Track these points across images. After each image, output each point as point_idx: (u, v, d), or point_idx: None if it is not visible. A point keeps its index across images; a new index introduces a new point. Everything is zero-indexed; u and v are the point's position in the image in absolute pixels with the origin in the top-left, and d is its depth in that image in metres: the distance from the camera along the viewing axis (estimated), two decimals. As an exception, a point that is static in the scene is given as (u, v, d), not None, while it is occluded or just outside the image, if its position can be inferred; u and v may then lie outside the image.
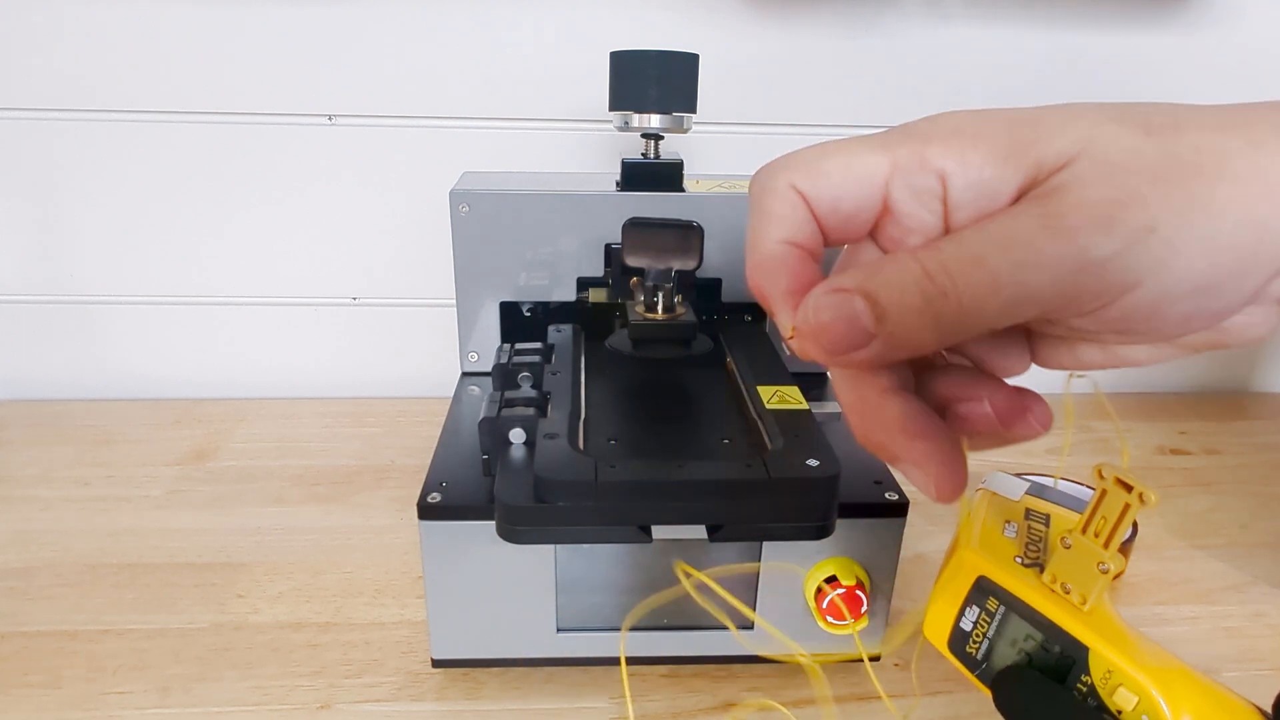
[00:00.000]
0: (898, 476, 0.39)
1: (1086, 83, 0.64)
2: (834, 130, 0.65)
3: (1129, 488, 0.24)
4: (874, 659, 0.40)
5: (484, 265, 0.49)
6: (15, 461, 0.58)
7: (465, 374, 0.51)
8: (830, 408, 0.46)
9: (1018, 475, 0.34)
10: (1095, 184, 0.18)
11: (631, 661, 0.40)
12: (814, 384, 0.51)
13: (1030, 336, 0.25)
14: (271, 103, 0.62)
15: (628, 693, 0.38)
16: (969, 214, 0.21)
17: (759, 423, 0.37)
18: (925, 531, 0.51)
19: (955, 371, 0.24)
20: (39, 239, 0.66)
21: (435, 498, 0.36)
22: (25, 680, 0.39)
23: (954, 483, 0.22)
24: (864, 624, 0.37)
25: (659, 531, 0.32)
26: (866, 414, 0.23)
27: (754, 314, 0.51)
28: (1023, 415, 0.23)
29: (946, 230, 0.21)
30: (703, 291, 0.50)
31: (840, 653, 0.39)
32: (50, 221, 0.65)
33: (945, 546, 0.51)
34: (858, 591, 0.36)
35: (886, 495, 0.37)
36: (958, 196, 0.21)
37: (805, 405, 0.38)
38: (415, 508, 0.35)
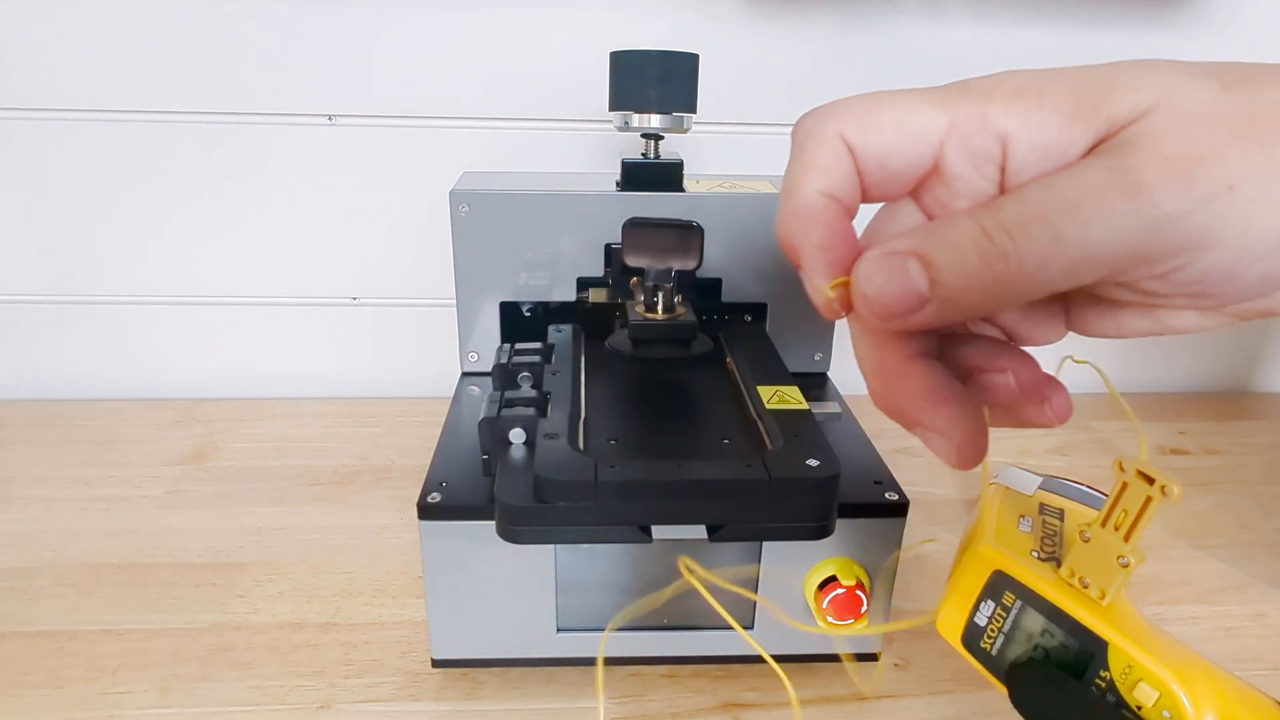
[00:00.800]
0: (898, 479, 0.39)
1: (1086, 83, 0.65)
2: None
3: (1151, 480, 0.23)
4: (874, 658, 0.40)
5: (484, 265, 0.49)
6: (15, 461, 0.58)
7: (465, 374, 0.51)
8: (830, 408, 0.46)
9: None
10: (1171, 138, 0.18)
11: (631, 661, 0.40)
12: (814, 384, 0.51)
13: (1069, 303, 0.24)
14: (271, 103, 0.62)
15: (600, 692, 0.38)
16: (1031, 177, 0.20)
17: (759, 423, 0.37)
18: (925, 532, 0.51)
19: (981, 341, 0.24)
20: (39, 239, 0.66)
21: (435, 498, 0.36)
22: (25, 680, 0.39)
23: (975, 450, 0.21)
24: (864, 624, 0.37)
25: (659, 531, 0.32)
26: (888, 379, 0.22)
27: (754, 314, 0.51)
28: (1043, 399, 0.23)
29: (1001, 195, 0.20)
30: (703, 291, 0.50)
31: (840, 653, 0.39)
32: (50, 221, 0.65)
33: (945, 547, 0.51)
34: (858, 591, 0.36)
35: (886, 495, 0.37)
36: (1020, 161, 0.20)
37: (805, 405, 0.38)
38: (415, 508, 0.35)
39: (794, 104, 0.71)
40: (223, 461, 0.59)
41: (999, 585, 0.27)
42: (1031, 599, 0.26)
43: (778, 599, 0.38)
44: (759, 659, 0.39)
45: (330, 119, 0.63)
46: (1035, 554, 0.28)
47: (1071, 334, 0.24)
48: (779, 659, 0.39)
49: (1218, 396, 0.76)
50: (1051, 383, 0.23)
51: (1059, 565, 0.27)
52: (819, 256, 0.21)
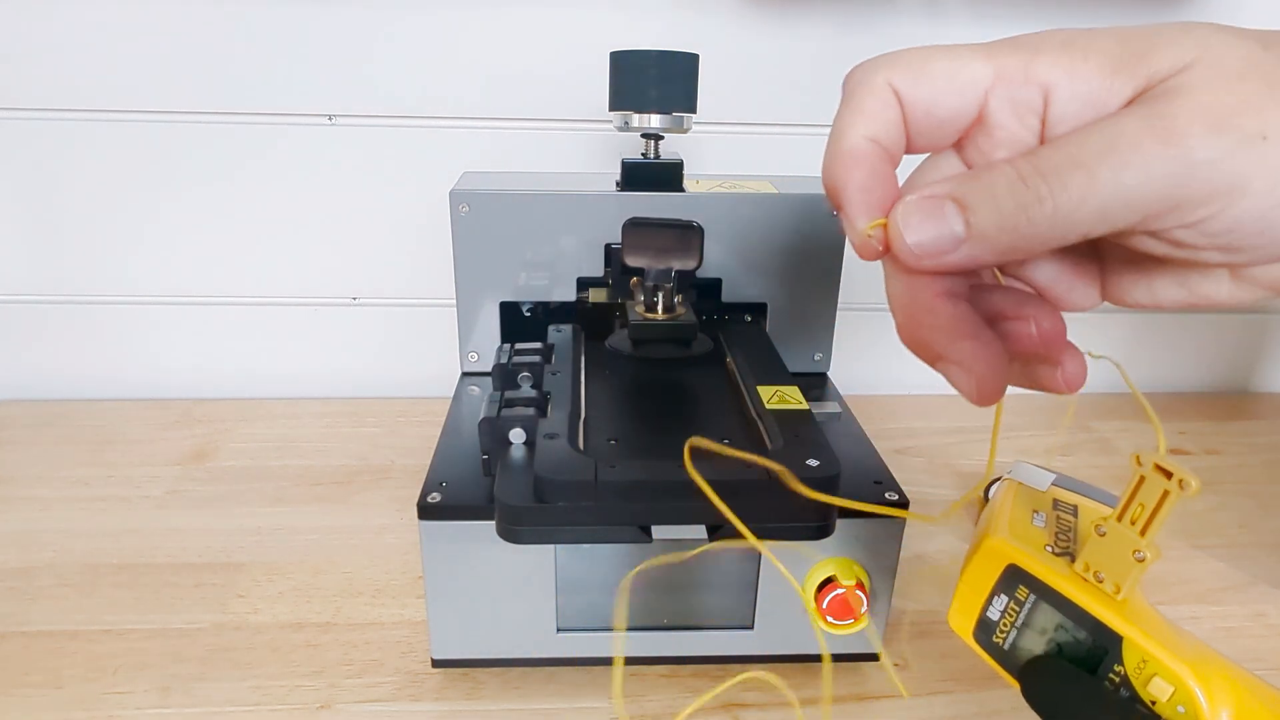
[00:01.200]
0: (898, 479, 0.39)
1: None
2: (834, 130, 0.65)
3: (1169, 474, 0.23)
4: (874, 658, 0.40)
5: (484, 265, 0.49)
6: (15, 461, 0.58)
7: (465, 374, 0.51)
8: (830, 408, 0.46)
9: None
10: (1209, 89, 0.18)
11: (631, 662, 0.40)
12: (814, 384, 0.51)
13: (1104, 267, 0.24)
14: (271, 103, 0.62)
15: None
16: (1072, 127, 0.20)
17: (759, 423, 0.37)
18: (925, 531, 0.51)
19: (1010, 291, 0.24)
20: (39, 239, 0.66)
21: (435, 498, 0.36)
22: (25, 680, 0.39)
23: (995, 385, 0.22)
24: (864, 624, 0.37)
25: (659, 531, 0.32)
26: (916, 314, 0.23)
27: (754, 314, 0.51)
28: (1058, 358, 0.23)
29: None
30: (703, 291, 0.50)
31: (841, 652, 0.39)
32: (50, 221, 0.65)
33: (945, 547, 0.51)
34: (858, 591, 0.36)
35: (886, 495, 0.37)
36: (1061, 110, 0.20)
37: (805, 405, 0.38)
38: (415, 508, 0.35)
39: (793, 104, 0.71)
40: (223, 461, 0.59)
41: (1012, 579, 0.27)
42: (1046, 593, 0.26)
43: (778, 599, 0.38)
44: (759, 659, 0.39)
45: (330, 119, 0.63)
46: (1049, 549, 0.27)
47: (1088, 339, 0.24)
48: (779, 659, 0.39)
49: (1218, 396, 0.76)
50: (1070, 347, 0.24)
51: (1073, 560, 0.26)
52: (859, 198, 0.22)
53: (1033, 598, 0.27)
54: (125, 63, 0.61)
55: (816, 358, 0.52)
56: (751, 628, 0.39)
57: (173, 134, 0.63)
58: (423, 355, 0.70)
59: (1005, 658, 0.27)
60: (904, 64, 0.22)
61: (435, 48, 0.62)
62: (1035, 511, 0.30)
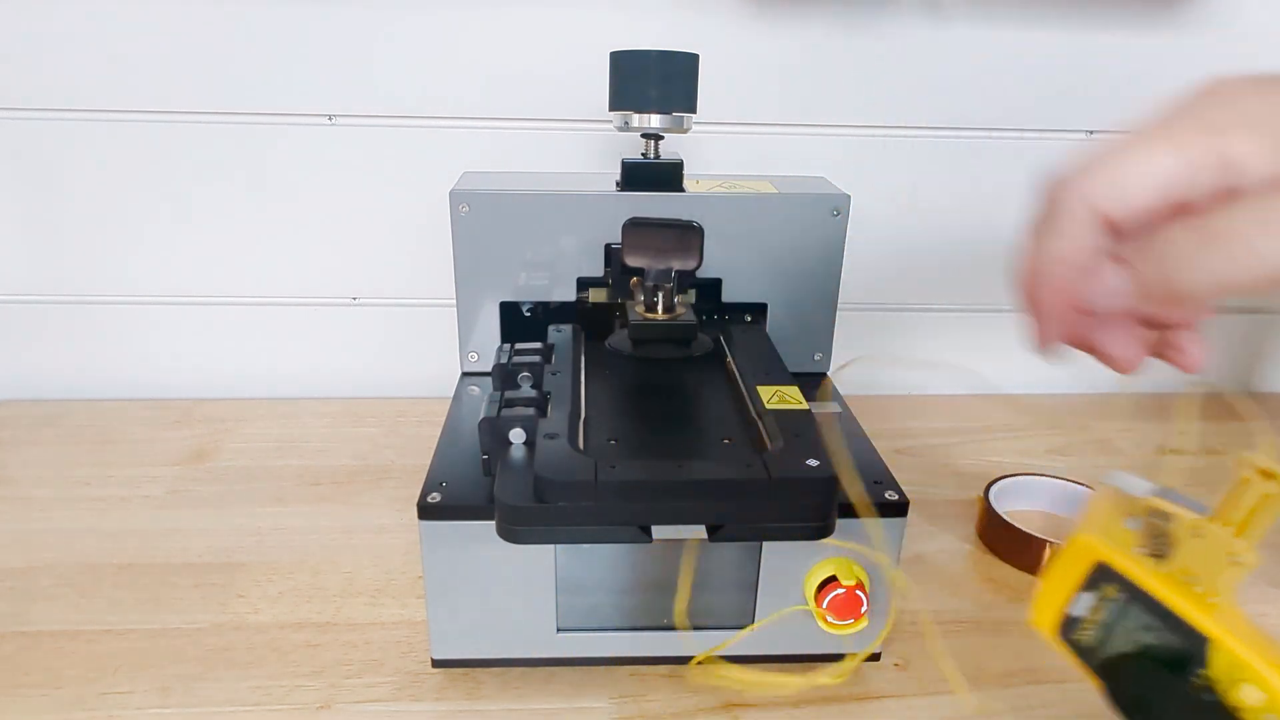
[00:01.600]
0: (898, 479, 0.39)
1: (1086, 82, 0.64)
2: (834, 130, 0.65)
3: (1273, 477, 0.23)
4: (874, 658, 0.40)
5: (484, 265, 0.49)
6: (15, 461, 0.58)
7: (465, 374, 0.51)
8: (830, 407, 0.46)
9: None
10: None
11: (632, 662, 0.40)
12: (814, 384, 0.51)
13: None
14: (271, 103, 0.62)
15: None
16: (1247, 196, 0.22)
17: (759, 423, 0.37)
18: (925, 531, 0.51)
19: None
20: (39, 239, 0.66)
21: (435, 498, 0.36)
22: (25, 680, 0.39)
23: (1135, 363, 0.28)
24: (864, 624, 0.37)
25: (659, 531, 0.32)
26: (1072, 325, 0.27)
27: (754, 314, 0.51)
28: (1184, 343, 0.29)
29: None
30: (703, 291, 0.50)
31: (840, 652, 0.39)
32: (50, 221, 0.65)
33: (945, 547, 0.52)
34: (858, 591, 0.36)
35: (886, 495, 0.37)
36: (1243, 183, 0.22)
37: (805, 405, 0.38)
38: (415, 508, 0.35)
39: (794, 104, 0.70)
40: (223, 461, 0.59)
41: (1100, 577, 0.26)
42: (1134, 593, 0.26)
43: (778, 599, 0.38)
44: (759, 659, 0.39)
45: (330, 119, 0.63)
46: (1141, 550, 0.27)
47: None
48: (779, 659, 0.39)
49: (1218, 397, 0.76)
50: (1194, 335, 0.29)
51: (1165, 562, 0.26)
52: (1056, 326, 0.27)
53: (1121, 596, 0.26)
54: (125, 63, 0.61)
55: (816, 358, 0.52)
56: (750, 626, 0.39)
57: (173, 134, 0.63)
58: (423, 355, 0.70)
59: (1088, 656, 0.27)
60: (1101, 180, 0.24)
61: (435, 48, 0.62)
62: (1129, 516, 0.29)
